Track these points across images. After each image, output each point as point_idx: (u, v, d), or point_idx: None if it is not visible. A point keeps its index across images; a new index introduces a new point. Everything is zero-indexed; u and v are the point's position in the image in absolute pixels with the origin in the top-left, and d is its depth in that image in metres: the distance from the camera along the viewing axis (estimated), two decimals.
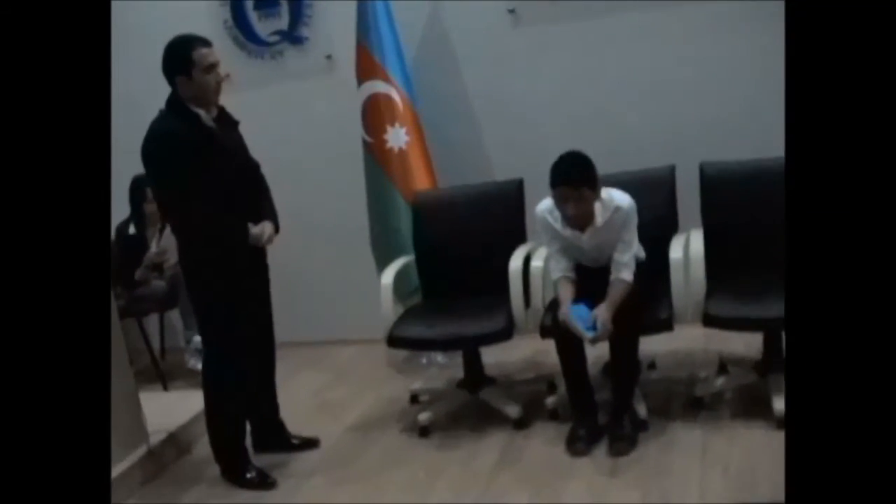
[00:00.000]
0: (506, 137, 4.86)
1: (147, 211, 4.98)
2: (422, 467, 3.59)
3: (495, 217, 4.21)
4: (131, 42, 4.77)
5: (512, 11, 4.72)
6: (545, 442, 3.63)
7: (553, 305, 3.68)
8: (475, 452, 3.64)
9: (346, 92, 4.80)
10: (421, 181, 4.61)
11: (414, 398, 4.29)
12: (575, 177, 3.41)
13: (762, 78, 3.95)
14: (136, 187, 4.98)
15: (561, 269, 3.64)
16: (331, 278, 5.33)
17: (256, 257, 3.65)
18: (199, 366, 4.00)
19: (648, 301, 3.60)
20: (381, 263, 4.49)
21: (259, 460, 3.75)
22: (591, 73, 4.71)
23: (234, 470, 3.66)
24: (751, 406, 3.63)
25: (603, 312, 3.40)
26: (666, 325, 3.59)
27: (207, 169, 3.37)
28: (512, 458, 3.55)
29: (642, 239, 3.62)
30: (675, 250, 3.67)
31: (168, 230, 4.33)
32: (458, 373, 4.16)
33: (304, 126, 5.18)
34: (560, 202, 3.46)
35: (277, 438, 3.91)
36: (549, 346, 3.61)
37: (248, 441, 3.82)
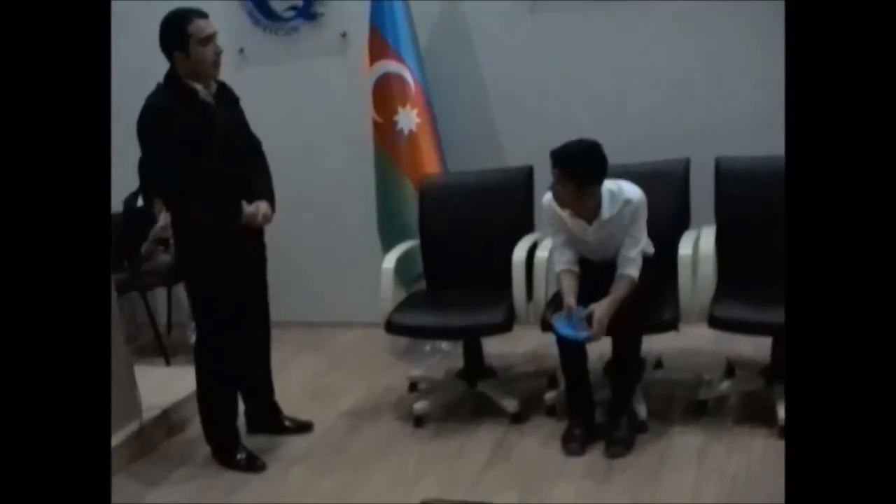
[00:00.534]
0: (518, 124, 4.76)
1: None
2: (411, 458, 3.52)
3: (503, 205, 4.10)
4: (138, 16, 4.70)
5: None
6: (540, 439, 3.54)
7: (556, 299, 3.58)
8: (468, 446, 3.56)
9: (358, 70, 4.71)
10: (430, 165, 4.52)
11: (413, 386, 4.22)
12: (568, 161, 3.30)
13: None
14: None
15: (565, 261, 3.54)
16: (336, 260, 5.26)
17: (251, 236, 3.56)
18: None
19: (654, 299, 3.49)
20: (387, 247, 4.41)
21: (252, 441, 3.70)
22: (608, 61, 4.59)
23: (224, 451, 3.60)
24: (755, 413, 3.52)
25: (601, 308, 3.29)
26: (670, 326, 3.48)
27: (202, 145, 3.30)
28: (504, 454, 3.46)
29: (651, 234, 3.51)
30: (685, 247, 3.56)
31: None
32: (461, 362, 4.06)
33: (315, 105, 5.10)
34: (555, 182, 3.36)
35: (271, 420, 3.85)
36: (553, 340, 3.49)
37: (242, 421, 3.76)
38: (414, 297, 4.15)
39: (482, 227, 4.09)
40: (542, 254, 3.75)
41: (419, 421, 3.79)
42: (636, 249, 3.41)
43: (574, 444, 3.39)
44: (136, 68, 3.82)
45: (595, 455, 3.34)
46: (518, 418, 3.71)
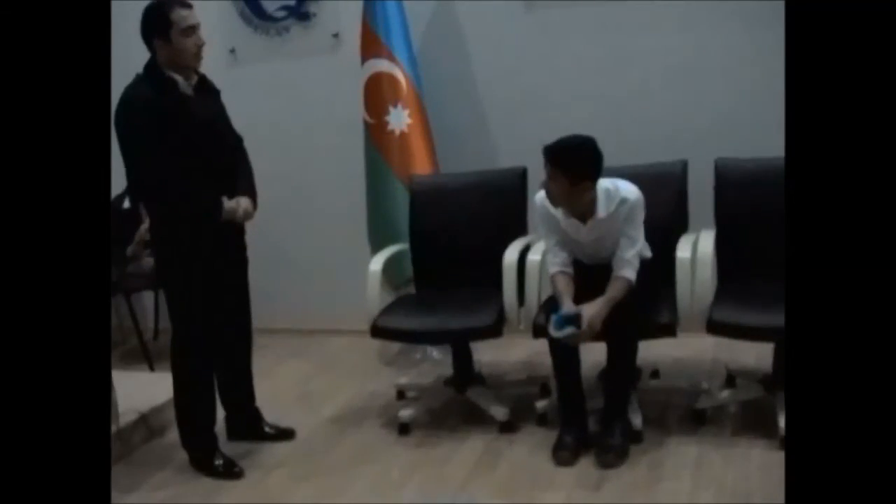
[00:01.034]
0: (512, 124, 4.63)
1: None
2: (395, 465, 3.39)
3: (495, 206, 3.97)
4: (131, 8, 4.62)
5: None
6: (529, 448, 3.40)
7: (548, 303, 3.44)
8: (454, 454, 3.42)
9: (351, 72, 4.61)
10: (421, 166, 4.40)
11: (400, 394, 4.08)
12: (561, 157, 3.18)
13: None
14: None
15: (558, 263, 3.41)
16: (325, 264, 5.13)
17: (232, 235, 3.43)
18: None
19: (650, 303, 3.35)
20: (377, 250, 4.28)
21: (231, 448, 3.56)
22: (605, 59, 4.47)
23: (201, 457, 3.47)
24: (755, 423, 3.38)
25: (594, 307, 3.16)
26: (668, 331, 3.33)
27: (179, 138, 3.18)
28: (491, 462, 3.32)
29: (649, 237, 3.38)
30: (683, 250, 3.42)
31: None
32: (451, 369, 3.92)
33: (306, 105, 5.00)
34: (547, 179, 3.24)
35: (252, 427, 3.72)
36: (547, 347, 3.35)
37: (222, 428, 3.64)
38: (401, 300, 4.01)
39: (474, 229, 3.96)
40: (534, 257, 3.61)
41: (404, 428, 3.65)
42: (632, 251, 3.28)
43: (565, 452, 3.24)
44: (125, 58, 3.72)
45: (586, 464, 3.20)
46: (507, 427, 3.56)
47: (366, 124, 4.53)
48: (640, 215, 3.31)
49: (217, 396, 3.56)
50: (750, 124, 4.13)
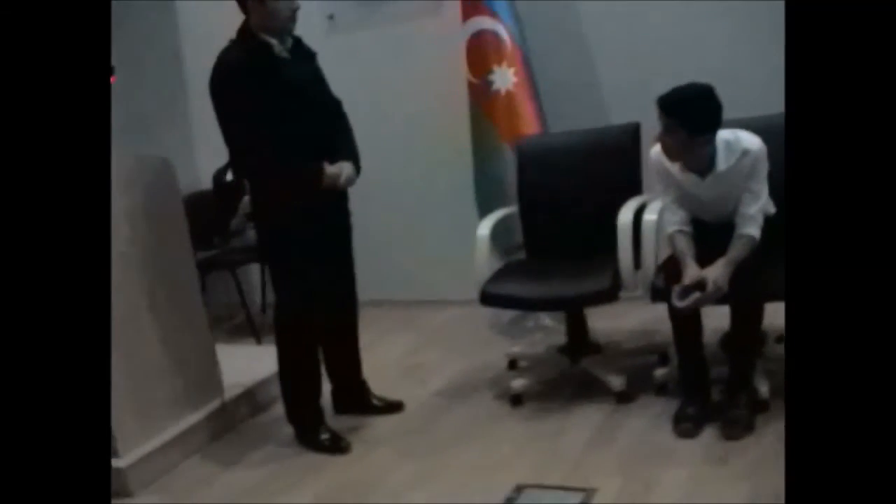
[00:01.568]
0: (624, 78, 4.40)
1: None
2: (506, 440, 3.23)
3: (607, 166, 3.74)
4: None
5: None
6: (649, 419, 3.20)
7: (667, 265, 3.22)
8: (568, 427, 3.24)
9: (453, 34, 4.46)
10: (528, 126, 4.23)
11: (512, 364, 3.92)
12: (677, 107, 2.95)
13: None
14: None
15: (676, 221, 3.18)
16: (432, 232, 5.00)
17: (335, 201, 3.32)
18: None
19: (776, 264, 3.08)
20: (485, 215, 4.10)
21: (338, 422, 3.48)
22: (726, 4, 4.15)
23: (307, 431, 3.39)
24: None
25: (716, 269, 2.92)
26: None
27: (277, 102, 3.08)
28: (608, 435, 3.13)
29: (772, 192, 3.11)
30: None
31: None
32: (565, 338, 3.75)
33: (407, 70, 4.87)
34: (662, 132, 3.02)
35: (358, 400, 3.62)
36: (666, 313, 3.14)
37: (329, 401, 3.57)
38: (511, 266, 3.84)
39: (585, 191, 3.74)
40: (650, 217, 3.39)
41: (516, 400, 3.50)
42: (756, 206, 3.03)
43: (687, 424, 3.03)
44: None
45: (710, 437, 2.98)
46: (624, 397, 3.37)
47: (470, 85, 4.38)
48: (764, 168, 3.06)
49: (323, 369, 3.47)
50: None
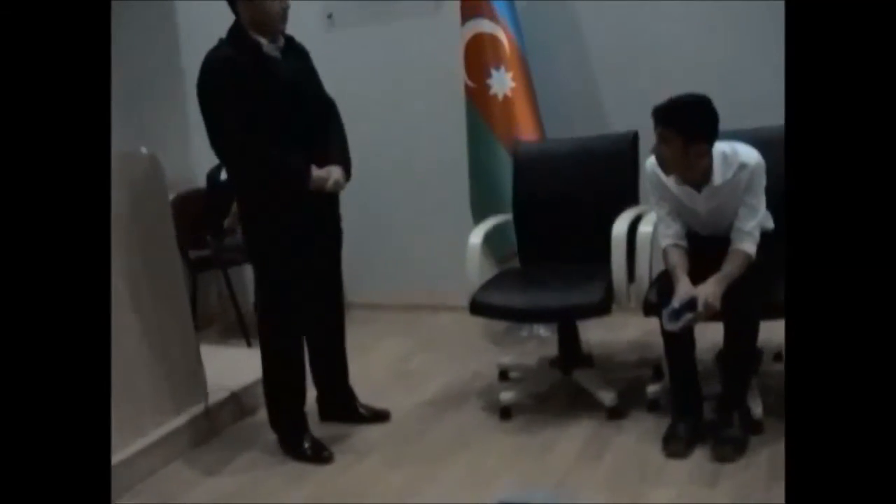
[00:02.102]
0: (623, 85, 4.35)
1: None
2: (493, 453, 3.16)
3: (603, 174, 3.67)
4: None
5: None
6: (639, 436, 3.13)
7: (661, 279, 3.15)
8: (556, 441, 3.17)
9: (452, 34, 4.40)
10: (526, 132, 4.16)
11: (503, 374, 3.85)
12: (673, 116, 2.89)
13: None
14: None
15: (671, 235, 3.11)
16: (428, 236, 4.94)
17: (324, 206, 3.25)
18: None
19: (773, 279, 3.01)
20: (480, 221, 4.05)
21: (322, 430, 3.41)
22: (728, 12, 4.08)
23: (289, 438, 3.32)
24: None
25: (710, 286, 2.85)
26: None
27: (263, 102, 3.01)
28: (596, 451, 3.06)
29: (769, 205, 3.04)
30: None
31: None
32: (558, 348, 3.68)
33: (406, 70, 4.84)
34: (658, 143, 2.96)
35: (344, 408, 3.55)
36: (658, 325, 3.06)
37: (315, 408, 3.50)
38: (504, 274, 3.78)
39: (581, 199, 3.67)
40: (645, 228, 3.33)
41: (506, 412, 3.43)
42: (753, 221, 2.96)
43: (677, 443, 2.96)
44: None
45: (701, 457, 2.91)
46: (615, 413, 3.30)
47: (467, 88, 4.32)
48: (762, 182, 2.99)
49: (309, 376, 3.41)
50: None
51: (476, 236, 3.65)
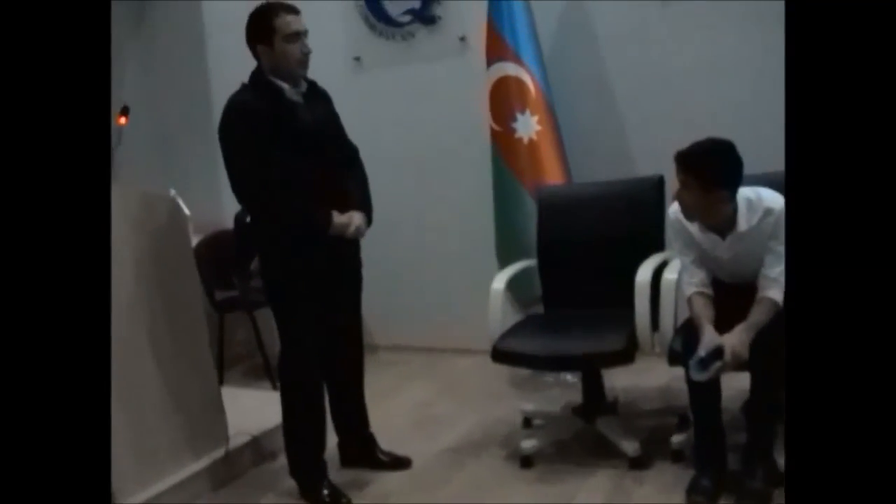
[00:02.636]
0: (649, 130, 4.30)
1: None
2: (513, 502, 3.09)
3: (629, 219, 3.63)
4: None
5: None
6: (661, 487, 3.06)
7: (685, 327, 3.10)
8: (577, 492, 3.12)
9: (479, 77, 4.40)
10: (552, 176, 4.14)
11: (527, 421, 3.79)
12: (694, 162, 2.86)
13: None
14: None
15: (695, 283, 3.05)
16: (454, 279, 4.89)
17: (344, 251, 3.24)
18: None
19: None
20: (505, 265, 4.02)
21: (343, 476, 3.39)
22: (754, 56, 4.04)
23: (308, 484, 3.28)
24: None
25: (736, 335, 2.80)
26: None
27: (285, 147, 3.02)
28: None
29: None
30: None
31: None
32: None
33: (432, 112, 4.82)
34: (680, 189, 2.93)
35: (365, 454, 3.51)
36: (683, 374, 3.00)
37: (336, 454, 3.47)
38: (527, 321, 3.73)
39: (606, 244, 3.63)
40: (670, 276, 3.27)
41: (526, 461, 3.37)
42: (779, 268, 2.88)
43: (700, 496, 2.89)
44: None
45: None
46: (638, 463, 3.23)
47: (492, 132, 4.31)
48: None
49: (330, 422, 3.38)
50: None
51: (499, 282, 3.61)
